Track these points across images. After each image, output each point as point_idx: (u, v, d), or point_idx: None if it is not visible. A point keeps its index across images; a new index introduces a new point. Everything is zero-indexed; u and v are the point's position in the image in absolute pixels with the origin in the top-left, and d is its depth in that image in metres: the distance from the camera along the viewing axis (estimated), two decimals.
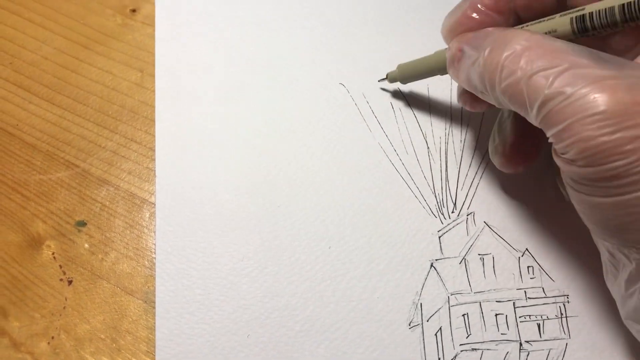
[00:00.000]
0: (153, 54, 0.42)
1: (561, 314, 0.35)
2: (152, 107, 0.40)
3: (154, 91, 0.40)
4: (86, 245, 0.36)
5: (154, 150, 0.38)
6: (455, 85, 0.40)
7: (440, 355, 0.34)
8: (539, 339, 0.34)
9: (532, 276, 0.35)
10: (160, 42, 0.42)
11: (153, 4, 0.43)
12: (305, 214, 0.37)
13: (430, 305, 0.35)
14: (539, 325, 0.34)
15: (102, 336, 0.34)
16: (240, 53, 0.42)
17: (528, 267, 0.36)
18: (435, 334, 0.34)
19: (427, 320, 0.34)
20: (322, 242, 0.36)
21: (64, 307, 0.34)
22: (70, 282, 0.35)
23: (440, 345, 0.34)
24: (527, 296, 0.35)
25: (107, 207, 0.37)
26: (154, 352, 0.33)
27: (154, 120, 0.39)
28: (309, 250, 0.36)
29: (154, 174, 0.38)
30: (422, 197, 0.38)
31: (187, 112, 0.39)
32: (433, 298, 0.35)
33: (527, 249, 0.36)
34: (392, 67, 0.40)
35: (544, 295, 0.35)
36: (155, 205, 0.37)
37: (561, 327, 0.34)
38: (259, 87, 0.40)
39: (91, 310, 0.34)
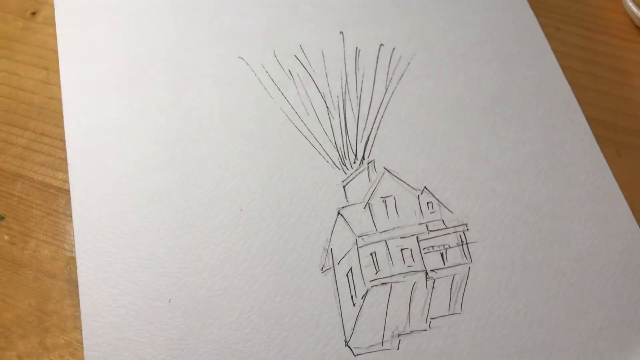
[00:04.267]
0: (57, 52, 0.43)
1: (462, 241, 0.37)
2: (60, 100, 0.41)
3: (60, 86, 0.42)
4: (6, 237, 0.37)
5: (64, 141, 0.40)
6: (347, 44, 0.43)
7: (353, 293, 0.36)
8: (443, 266, 0.36)
9: (432, 211, 0.38)
10: (63, 40, 0.44)
11: (52, 5, 0.44)
12: (215, 182, 0.39)
13: (340, 249, 0.37)
14: (442, 255, 0.37)
15: (29, 319, 0.35)
16: (140, 40, 0.43)
17: (427, 203, 0.38)
18: (347, 274, 0.36)
19: (338, 263, 0.36)
20: (234, 205, 0.38)
21: None
22: None
23: (351, 284, 0.36)
24: (429, 229, 0.37)
25: (24, 199, 0.38)
26: (81, 327, 0.34)
27: (62, 114, 0.41)
28: (221, 215, 0.38)
29: (67, 162, 0.39)
30: (325, 152, 0.40)
31: (94, 102, 0.41)
32: (342, 242, 0.37)
33: (425, 187, 0.38)
34: (285, 36, 0.42)
35: (444, 227, 0.37)
36: (70, 192, 0.38)
37: (463, 254, 0.37)
38: (161, 71, 0.42)
39: (15, 297, 0.36)
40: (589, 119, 0.40)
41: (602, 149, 0.39)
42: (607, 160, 0.39)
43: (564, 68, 0.42)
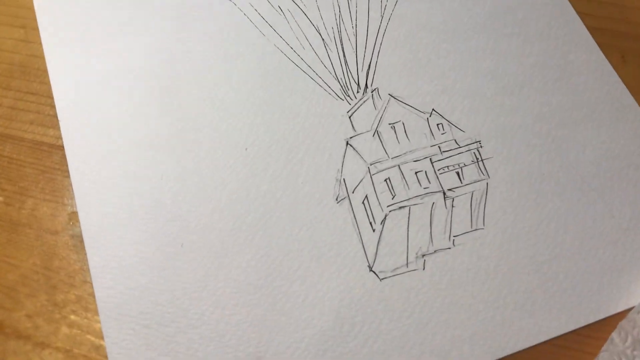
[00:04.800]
0: (33, 9, 0.41)
1: (476, 158, 0.36)
2: (42, 58, 0.39)
3: (40, 43, 0.40)
4: (0, 199, 0.35)
5: (52, 97, 0.38)
6: None
7: (371, 220, 0.34)
8: (460, 184, 0.35)
9: (442, 132, 0.37)
10: None
11: None
12: (216, 123, 0.37)
13: (353, 178, 0.36)
14: (458, 174, 0.36)
15: (35, 278, 0.33)
16: None
17: (437, 124, 0.37)
18: (363, 202, 0.35)
19: (353, 192, 0.35)
20: (238, 145, 0.36)
21: None
22: None
23: (369, 211, 0.35)
24: (442, 150, 0.36)
25: (15, 159, 0.36)
26: (91, 280, 0.33)
27: (46, 70, 0.39)
28: (226, 155, 0.36)
29: (57, 118, 0.37)
30: (327, 84, 0.38)
31: (78, 54, 0.39)
32: (354, 172, 0.36)
33: (433, 109, 0.37)
34: None
35: (457, 146, 0.36)
36: (64, 147, 0.36)
37: (479, 170, 0.36)
38: (148, 18, 0.40)
39: (18, 257, 0.34)
40: (590, 29, 0.39)
41: (607, 57, 0.38)
42: (612, 66, 0.38)
43: None
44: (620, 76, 0.38)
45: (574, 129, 0.36)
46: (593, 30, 0.39)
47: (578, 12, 0.40)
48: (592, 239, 0.34)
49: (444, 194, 0.35)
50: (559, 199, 0.35)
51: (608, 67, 0.38)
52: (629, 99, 0.37)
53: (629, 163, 0.35)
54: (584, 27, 0.40)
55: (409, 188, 0.35)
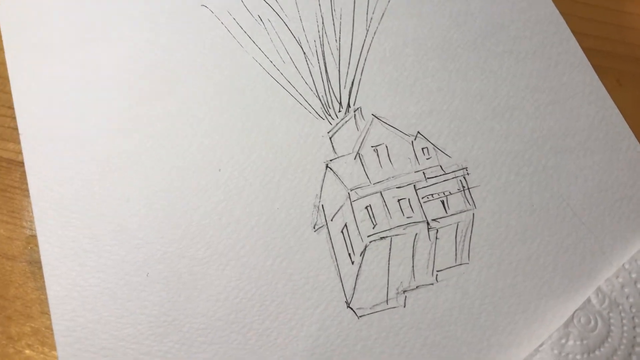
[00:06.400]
0: None
1: (463, 186, 0.34)
2: (3, 64, 0.37)
3: (2, 48, 0.37)
4: None
5: (13, 108, 0.35)
6: None
7: (350, 251, 0.32)
8: (445, 215, 0.33)
9: (428, 157, 0.35)
10: None
11: None
12: (188, 141, 0.35)
13: (332, 204, 0.33)
14: (443, 202, 0.34)
15: None
16: None
17: (422, 148, 0.35)
18: (342, 231, 0.33)
19: (332, 220, 0.33)
20: (211, 166, 0.34)
21: None
22: None
23: (348, 241, 0.33)
24: (427, 176, 0.34)
25: None
26: (49, 312, 0.30)
27: (7, 78, 0.36)
28: (198, 177, 0.34)
29: (18, 132, 0.34)
30: (307, 102, 0.36)
31: (42, 63, 0.37)
32: (334, 197, 0.34)
33: (418, 131, 0.35)
34: None
35: (442, 173, 0.34)
36: (24, 163, 0.34)
37: (465, 199, 0.34)
38: (115, 23, 0.38)
39: None
40: (585, 49, 0.37)
41: (602, 79, 0.37)
42: (607, 90, 0.36)
43: None
44: (615, 101, 0.36)
45: (566, 157, 0.35)
46: (588, 51, 0.37)
47: (573, 31, 0.38)
48: (580, 277, 0.32)
49: (428, 224, 0.33)
50: (548, 232, 0.33)
51: (603, 91, 0.36)
52: (624, 125, 0.35)
53: (621, 196, 0.34)
54: (578, 47, 0.38)
55: (391, 217, 0.33)
